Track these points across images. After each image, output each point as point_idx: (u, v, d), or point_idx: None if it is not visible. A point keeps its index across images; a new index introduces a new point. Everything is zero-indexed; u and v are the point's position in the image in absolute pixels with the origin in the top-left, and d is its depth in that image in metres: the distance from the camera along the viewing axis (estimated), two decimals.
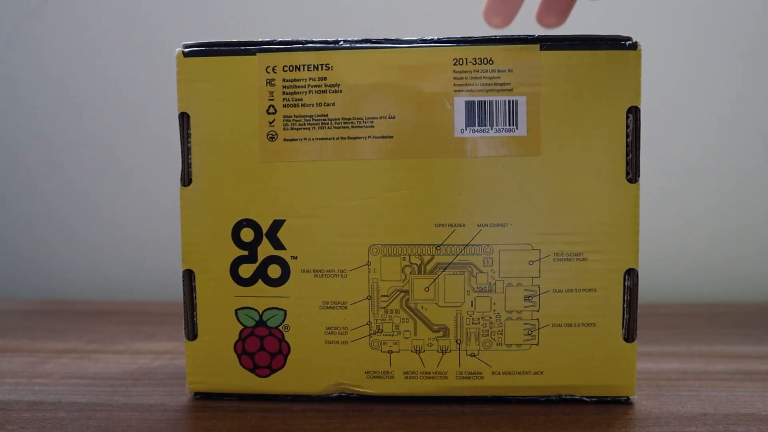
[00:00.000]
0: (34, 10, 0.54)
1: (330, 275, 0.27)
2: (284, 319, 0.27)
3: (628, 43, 0.26)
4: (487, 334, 0.27)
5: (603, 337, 0.27)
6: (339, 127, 0.26)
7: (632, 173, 0.26)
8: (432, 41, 0.26)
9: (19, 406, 0.28)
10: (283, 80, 0.26)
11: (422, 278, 0.27)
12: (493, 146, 0.26)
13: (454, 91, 0.26)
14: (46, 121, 0.55)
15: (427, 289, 0.27)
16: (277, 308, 0.27)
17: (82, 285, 0.56)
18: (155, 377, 0.31)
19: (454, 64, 0.26)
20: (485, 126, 0.26)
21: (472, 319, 0.27)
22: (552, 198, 0.26)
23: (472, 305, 0.27)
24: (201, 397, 0.28)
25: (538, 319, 0.27)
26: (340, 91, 0.26)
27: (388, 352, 0.27)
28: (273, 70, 0.26)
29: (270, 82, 0.26)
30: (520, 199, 0.26)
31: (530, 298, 0.27)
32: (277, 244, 0.27)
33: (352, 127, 0.26)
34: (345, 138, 0.26)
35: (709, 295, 0.52)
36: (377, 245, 0.27)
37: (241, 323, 0.27)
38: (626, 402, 0.27)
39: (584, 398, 0.27)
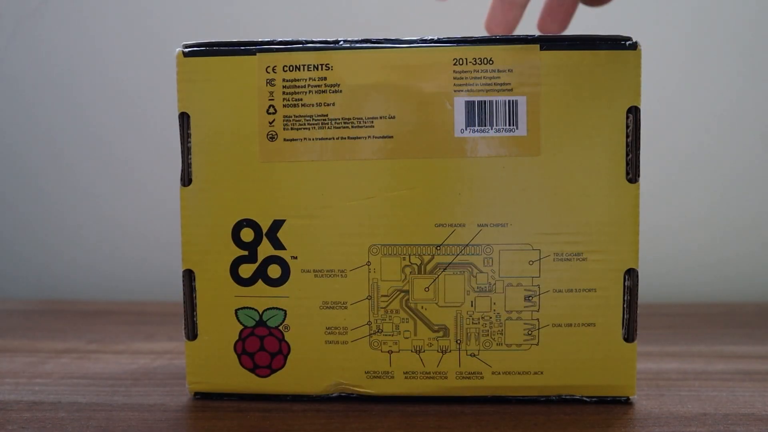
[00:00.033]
0: (34, 10, 0.54)
1: (330, 275, 0.27)
2: (284, 319, 0.27)
3: (628, 43, 0.26)
4: (487, 334, 0.27)
5: (603, 337, 0.27)
6: (339, 127, 0.26)
7: (632, 173, 0.26)
8: (432, 41, 0.26)
9: (19, 406, 0.28)
10: (283, 80, 0.26)
11: (422, 278, 0.27)
12: (493, 146, 0.26)
13: (454, 91, 0.26)
14: (46, 121, 0.55)
15: (427, 289, 0.27)
16: (277, 308, 0.27)
17: (82, 285, 0.56)
18: (155, 377, 0.31)
19: (454, 64, 0.26)
20: (485, 126, 0.26)
21: (472, 319, 0.27)
22: (552, 198, 0.26)
23: (472, 305, 0.27)
24: (201, 397, 0.28)
25: (538, 319, 0.27)
26: (340, 91, 0.26)
27: (388, 352, 0.27)
28: (273, 70, 0.26)
29: (270, 82, 0.26)
30: (520, 199, 0.26)
31: (530, 298, 0.27)
32: (277, 244, 0.27)
33: (352, 127, 0.26)
34: (345, 138, 0.26)
35: (709, 295, 0.52)
36: (377, 245, 0.27)
37: (241, 323, 0.27)
38: (626, 402, 0.27)
39: (584, 398, 0.27)
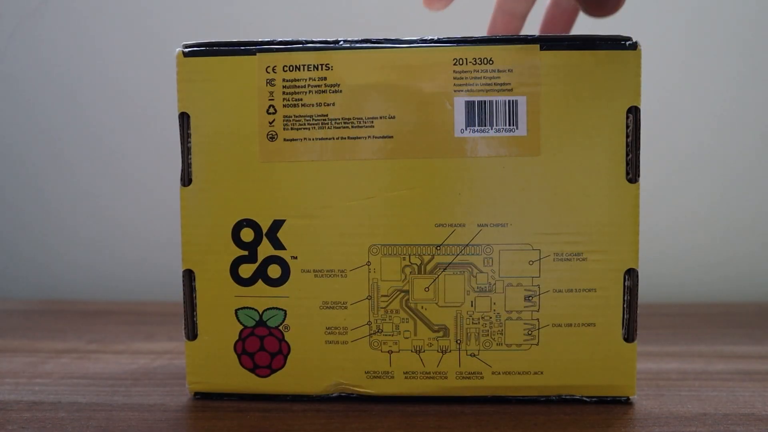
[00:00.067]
0: (34, 10, 0.54)
1: (330, 275, 0.27)
2: (284, 319, 0.27)
3: (628, 43, 0.26)
4: (487, 334, 0.27)
5: (603, 337, 0.27)
6: (339, 127, 0.26)
7: (632, 173, 0.26)
8: (432, 41, 0.26)
9: (19, 406, 0.28)
10: (283, 80, 0.26)
11: (422, 278, 0.27)
12: (493, 146, 0.26)
13: (454, 91, 0.26)
14: (45, 120, 0.55)
15: (427, 289, 0.27)
16: (277, 308, 0.27)
17: (82, 285, 0.56)
18: (155, 377, 0.31)
19: (454, 64, 0.26)
20: (485, 126, 0.26)
21: (472, 319, 0.27)
22: (552, 198, 0.26)
23: (472, 305, 0.27)
24: (201, 397, 0.28)
25: (538, 319, 0.27)
26: (340, 91, 0.26)
27: (388, 352, 0.27)
28: (273, 70, 0.26)
29: (270, 82, 0.26)
30: (520, 199, 0.26)
31: (530, 298, 0.27)
32: (277, 244, 0.27)
33: (352, 127, 0.26)
34: (345, 138, 0.26)
35: (709, 295, 0.52)
36: (377, 245, 0.27)
37: (241, 323, 0.27)
38: (626, 402, 0.27)
39: (584, 398, 0.27)
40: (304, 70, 0.26)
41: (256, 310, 0.27)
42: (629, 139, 0.26)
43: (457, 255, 0.27)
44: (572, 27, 0.33)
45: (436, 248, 0.27)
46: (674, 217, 0.52)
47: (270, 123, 0.26)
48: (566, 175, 0.26)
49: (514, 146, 0.26)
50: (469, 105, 0.26)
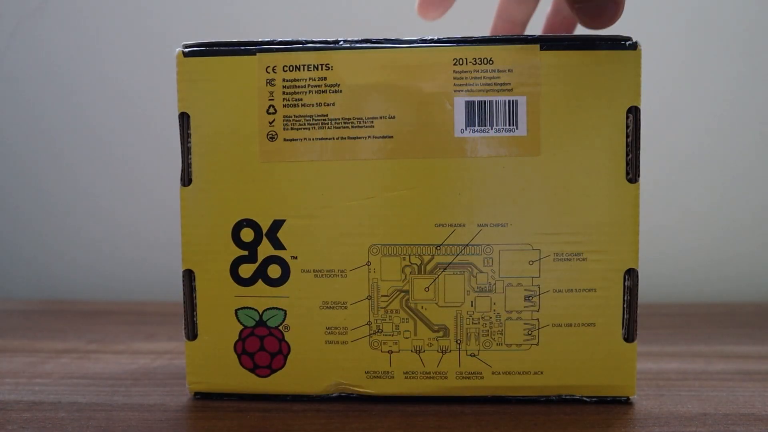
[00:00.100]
0: (34, 10, 0.54)
1: (330, 275, 0.27)
2: (284, 319, 0.27)
3: (628, 43, 0.26)
4: (487, 334, 0.27)
5: (603, 337, 0.27)
6: (339, 127, 0.26)
7: (632, 173, 0.26)
8: (432, 41, 0.26)
9: (19, 406, 0.28)
10: (283, 80, 0.26)
11: (422, 278, 0.27)
12: (493, 146, 0.26)
13: (454, 91, 0.26)
14: (45, 120, 0.55)
15: (427, 289, 0.27)
16: (277, 308, 0.27)
17: (82, 285, 0.56)
18: (155, 377, 0.31)
19: (454, 64, 0.26)
20: (485, 126, 0.26)
21: (472, 319, 0.27)
22: (552, 198, 0.26)
23: (472, 305, 0.27)
24: (201, 397, 0.28)
25: (538, 319, 0.27)
26: (340, 91, 0.26)
27: (388, 352, 0.27)
28: (273, 70, 0.26)
29: (270, 82, 0.26)
30: (520, 199, 0.26)
31: (530, 298, 0.27)
32: (277, 244, 0.27)
33: (352, 127, 0.26)
34: (345, 138, 0.26)
35: (709, 295, 0.52)
36: (377, 245, 0.27)
37: (241, 323, 0.27)
38: (626, 402, 0.27)
39: (584, 398, 0.27)
40: (304, 70, 0.26)
41: (256, 310, 0.27)
42: (629, 139, 0.26)
43: (457, 255, 0.27)
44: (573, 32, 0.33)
45: (436, 248, 0.27)
46: (674, 217, 0.52)
47: (270, 123, 0.26)
48: (566, 175, 0.26)
49: (514, 146, 0.26)
50: (469, 105, 0.26)
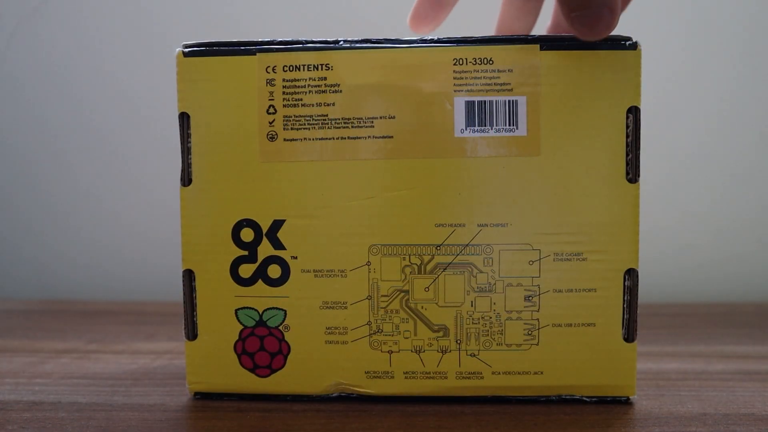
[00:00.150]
0: (34, 10, 0.54)
1: (330, 275, 0.27)
2: (284, 319, 0.27)
3: (628, 43, 0.26)
4: (487, 334, 0.27)
5: (603, 337, 0.27)
6: (339, 127, 0.26)
7: (632, 173, 0.26)
8: (432, 41, 0.26)
9: (19, 406, 0.28)
10: (283, 80, 0.26)
11: (422, 278, 0.27)
12: (493, 146, 0.26)
13: (454, 91, 0.26)
14: (45, 120, 0.55)
15: (427, 289, 0.27)
16: (277, 308, 0.27)
17: (82, 285, 0.56)
18: (155, 377, 0.31)
19: (454, 64, 0.26)
20: (485, 126, 0.26)
21: (472, 319, 0.27)
22: (552, 198, 0.26)
23: (472, 305, 0.27)
24: (201, 397, 0.28)
25: (538, 319, 0.27)
26: (340, 91, 0.26)
27: (388, 352, 0.27)
28: (273, 70, 0.26)
29: (270, 82, 0.26)
30: (520, 199, 0.26)
31: (530, 298, 0.27)
32: (277, 244, 0.27)
33: (352, 127, 0.26)
34: (345, 138, 0.26)
35: (709, 295, 0.52)
36: (377, 245, 0.27)
37: (241, 323, 0.27)
38: (626, 402, 0.27)
39: (584, 398, 0.27)
40: (304, 70, 0.26)
41: (256, 310, 0.27)
42: (629, 139, 0.26)
43: (457, 255, 0.27)
44: None
45: (436, 248, 0.27)
46: (674, 217, 0.52)
47: (270, 123, 0.26)
48: (566, 175, 0.26)
49: (514, 146, 0.26)
50: (469, 105, 0.26)
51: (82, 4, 0.53)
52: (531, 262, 0.26)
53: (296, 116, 0.26)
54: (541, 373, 0.27)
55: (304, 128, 0.26)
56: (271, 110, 0.26)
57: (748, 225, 0.52)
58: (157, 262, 0.54)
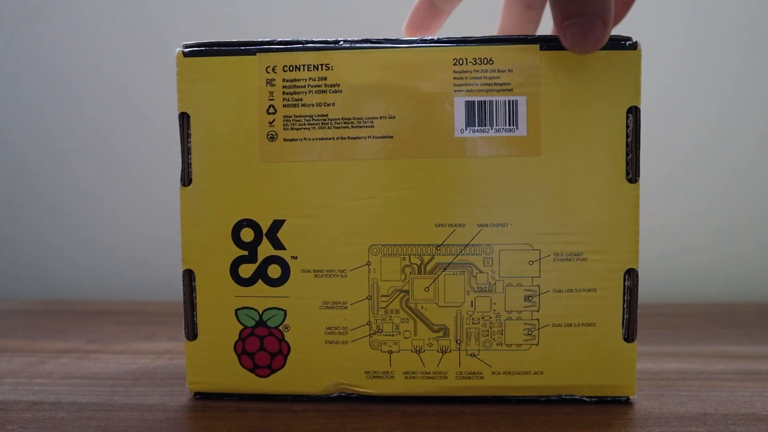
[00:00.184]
0: (34, 10, 0.54)
1: (330, 275, 0.27)
2: (284, 319, 0.27)
3: (628, 43, 0.26)
4: (487, 334, 0.27)
5: (603, 337, 0.27)
6: (339, 127, 0.26)
7: (632, 173, 0.26)
8: (432, 41, 0.26)
9: (19, 406, 0.28)
10: (283, 80, 0.26)
11: (422, 278, 0.27)
12: (493, 146, 0.26)
13: (454, 91, 0.26)
14: (46, 120, 0.55)
15: (427, 289, 0.27)
16: (277, 308, 0.27)
17: (82, 285, 0.56)
18: (155, 377, 0.31)
19: (454, 64, 0.26)
20: (485, 126, 0.26)
21: (472, 319, 0.27)
22: (552, 198, 0.26)
23: (472, 305, 0.27)
24: (201, 397, 0.28)
25: (538, 319, 0.27)
26: (340, 91, 0.26)
27: (388, 352, 0.27)
28: (273, 70, 0.26)
29: (270, 82, 0.26)
30: (520, 199, 0.26)
31: (530, 298, 0.27)
32: (277, 244, 0.27)
33: (352, 127, 0.26)
34: (345, 138, 0.26)
35: (709, 295, 0.52)
36: (377, 245, 0.27)
37: (241, 323, 0.27)
38: (626, 402, 0.27)
39: (584, 398, 0.27)
40: (304, 70, 0.26)
41: (256, 310, 0.27)
42: (629, 139, 0.26)
43: (457, 255, 0.27)
44: None
45: (436, 248, 0.27)
46: (674, 217, 0.52)
47: (270, 123, 0.26)
48: (566, 175, 0.26)
49: (514, 146, 0.26)
50: (469, 105, 0.26)
51: (82, 4, 0.53)
52: (531, 262, 0.26)
53: (296, 116, 0.26)
54: (541, 373, 0.27)
55: (304, 128, 0.26)
56: (271, 110, 0.26)
57: (748, 225, 0.52)
58: (157, 262, 0.54)
